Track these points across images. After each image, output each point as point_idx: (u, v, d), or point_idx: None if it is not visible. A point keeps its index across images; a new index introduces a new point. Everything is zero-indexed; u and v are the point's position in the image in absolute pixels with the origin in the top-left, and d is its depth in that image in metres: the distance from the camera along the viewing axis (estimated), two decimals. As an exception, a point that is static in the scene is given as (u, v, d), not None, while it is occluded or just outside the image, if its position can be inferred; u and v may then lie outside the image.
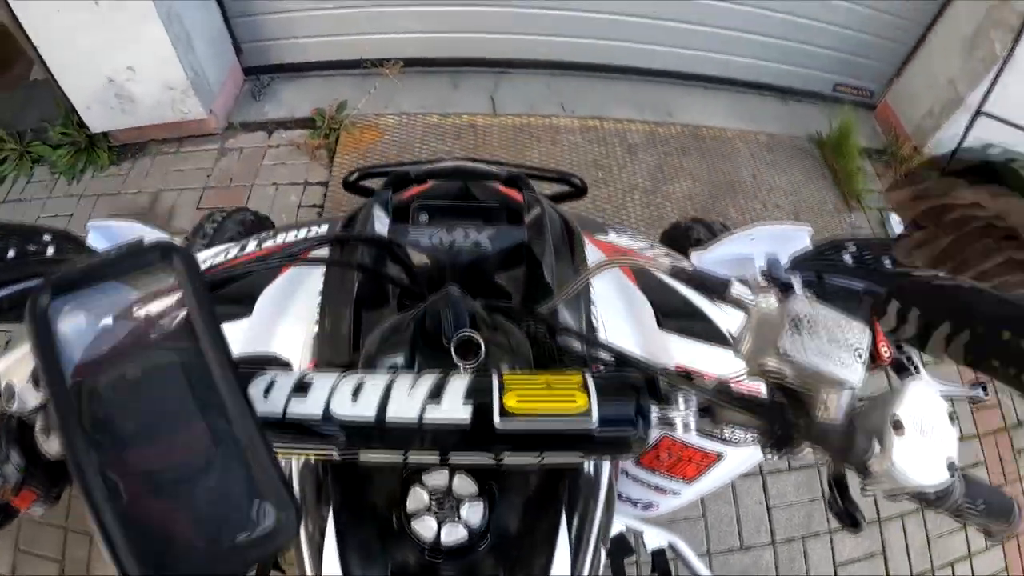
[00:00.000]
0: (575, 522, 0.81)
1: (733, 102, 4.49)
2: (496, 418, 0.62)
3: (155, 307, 0.58)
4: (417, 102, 4.00)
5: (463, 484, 0.74)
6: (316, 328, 1.04)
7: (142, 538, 0.48)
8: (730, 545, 2.65)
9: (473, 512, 0.73)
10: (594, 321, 1.12)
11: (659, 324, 1.28)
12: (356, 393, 0.63)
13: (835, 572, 2.67)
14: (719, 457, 1.29)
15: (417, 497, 0.74)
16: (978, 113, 3.73)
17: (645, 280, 1.36)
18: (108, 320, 0.57)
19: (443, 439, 0.63)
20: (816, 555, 2.68)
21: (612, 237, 1.57)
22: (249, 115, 3.90)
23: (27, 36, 3.10)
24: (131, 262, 0.56)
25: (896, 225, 3.81)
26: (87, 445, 0.49)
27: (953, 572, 2.77)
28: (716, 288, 0.72)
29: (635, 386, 0.67)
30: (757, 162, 4.12)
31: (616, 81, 4.36)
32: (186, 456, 0.52)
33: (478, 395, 0.63)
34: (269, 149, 3.73)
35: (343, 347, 0.97)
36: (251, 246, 1.43)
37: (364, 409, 0.62)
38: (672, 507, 1.50)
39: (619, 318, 1.25)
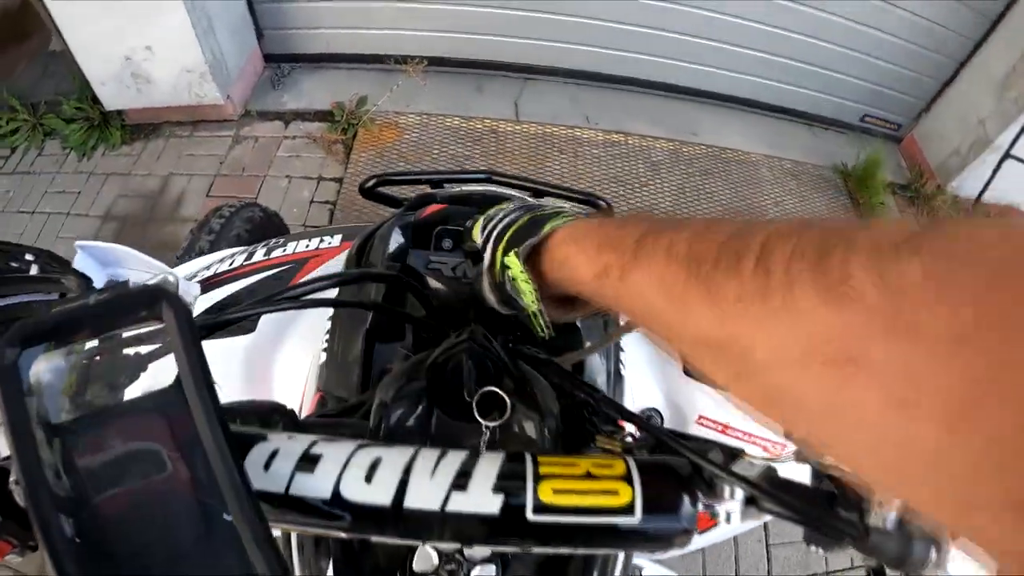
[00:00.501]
0: None
1: (759, 125, 4.46)
2: (529, 512, 0.55)
3: (140, 360, 0.52)
4: (439, 103, 3.95)
5: (477, 548, 0.66)
6: (323, 355, 0.99)
7: None
8: (727, 579, 2.59)
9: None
10: (622, 370, 1.06)
11: (686, 371, 1.23)
12: (371, 471, 0.56)
13: (828, 609, 2.62)
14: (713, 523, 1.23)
15: (425, 557, 0.66)
16: (1007, 156, 3.68)
17: None
18: (89, 368, 0.52)
19: (467, 530, 0.56)
20: None
21: None
22: (267, 103, 3.85)
23: (47, 9, 3.06)
24: (113, 312, 0.49)
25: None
26: (58, 521, 0.43)
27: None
28: None
29: (682, 476, 0.60)
30: (780, 189, 4.08)
31: (642, 96, 4.32)
32: (172, 535, 0.46)
33: (510, 483, 0.56)
34: (284, 140, 3.68)
35: (352, 380, 0.91)
36: (259, 254, 1.38)
37: (379, 493, 0.55)
38: (675, 554, 1.46)
39: (644, 364, 1.22)
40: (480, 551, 0.67)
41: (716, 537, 1.35)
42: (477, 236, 0.78)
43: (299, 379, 1.06)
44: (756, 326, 0.37)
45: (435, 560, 0.66)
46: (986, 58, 4.02)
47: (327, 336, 1.02)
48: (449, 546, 0.66)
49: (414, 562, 0.66)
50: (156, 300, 0.49)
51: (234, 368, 1.08)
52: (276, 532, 0.51)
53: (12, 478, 0.52)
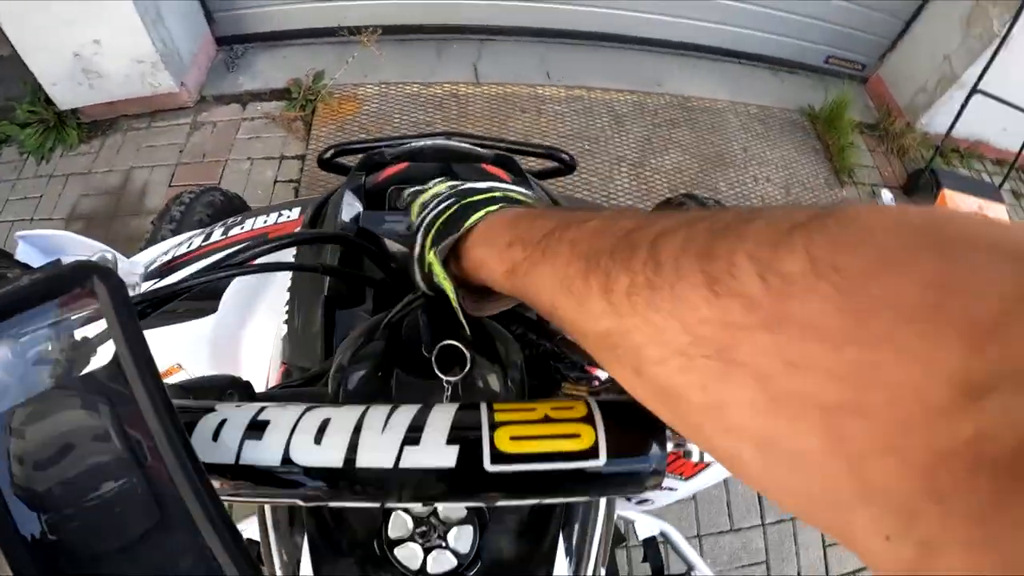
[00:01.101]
0: (573, 540, 0.74)
1: (723, 73, 4.44)
2: (486, 462, 0.53)
3: (78, 340, 0.50)
4: (397, 71, 3.90)
5: (449, 508, 0.66)
6: (284, 327, 0.97)
7: None
8: (720, 527, 2.64)
9: (462, 537, 0.65)
10: None
11: None
12: (320, 433, 0.54)
13: (825, 552, 2.67)
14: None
15: (400, 523, 0.65)
16: (974, 91, 3.68)
17: None
18: (34, 351, 0.49)
19: (425, 487, 0.54)
20: (805, 536, 2.68)
21: None
22: (222, 87, 3.79)
23: (-10, 13, 2.99)
24: (45, 289, 0.47)
25: (888, 201, 3.78)
26: (7, 512, 0.41)
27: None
28: None
29: (648, 416, 0.57)
30: (748, 135, 4.08)
31: (603, 50, 4.29)
32: (127, 521, 0.43)
33: (464, 433, 0.54)
34: (243, 122, 3.63)
35: (314, 349, 0.90)
36: (216, 234, 1.37)
37: (330, 454, 0.53)
38: (667, 502, 1.49)
39: None
40: (455, 512, 0.66)
41: (707, 481, 1.35)
42: (413, 217, 0.75)
43: (266, 355, 1.05)
44: (644, 320, 0.37)
45: (410, 525, 0.65)
46: (949, -4, 4.01)
47: (287, 309, 1.00)
48: (416, 507, 0.66)
49: (389, 529, 0.65)
50: (88, 275, 0.47)
51: (200, 350, 1.06)
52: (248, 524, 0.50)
53: None
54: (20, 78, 3.48)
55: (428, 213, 0.71)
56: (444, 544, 0.65)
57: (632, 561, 2.37)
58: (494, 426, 0.54)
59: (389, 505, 0.58)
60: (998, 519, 0.21)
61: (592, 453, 0.54)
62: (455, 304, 0.65)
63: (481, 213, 0.63)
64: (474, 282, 0.64)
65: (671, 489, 1.38)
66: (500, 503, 0.58)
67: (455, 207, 0.68)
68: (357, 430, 0.54)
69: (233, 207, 2.25)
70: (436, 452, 0.53)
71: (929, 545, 0.24)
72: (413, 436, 0.53)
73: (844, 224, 0.29)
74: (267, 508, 0.78)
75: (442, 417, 0.55)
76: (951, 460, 0.23)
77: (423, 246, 0.68)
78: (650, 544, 1.43)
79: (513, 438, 0.54)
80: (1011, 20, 3.50)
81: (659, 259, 0.36)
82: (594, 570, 0.77)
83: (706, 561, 1.36)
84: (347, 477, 0.53)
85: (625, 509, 1.44)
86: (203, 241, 1.34)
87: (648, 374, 0.38)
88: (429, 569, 0.64)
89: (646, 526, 1.43)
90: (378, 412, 0.56)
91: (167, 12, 3.34)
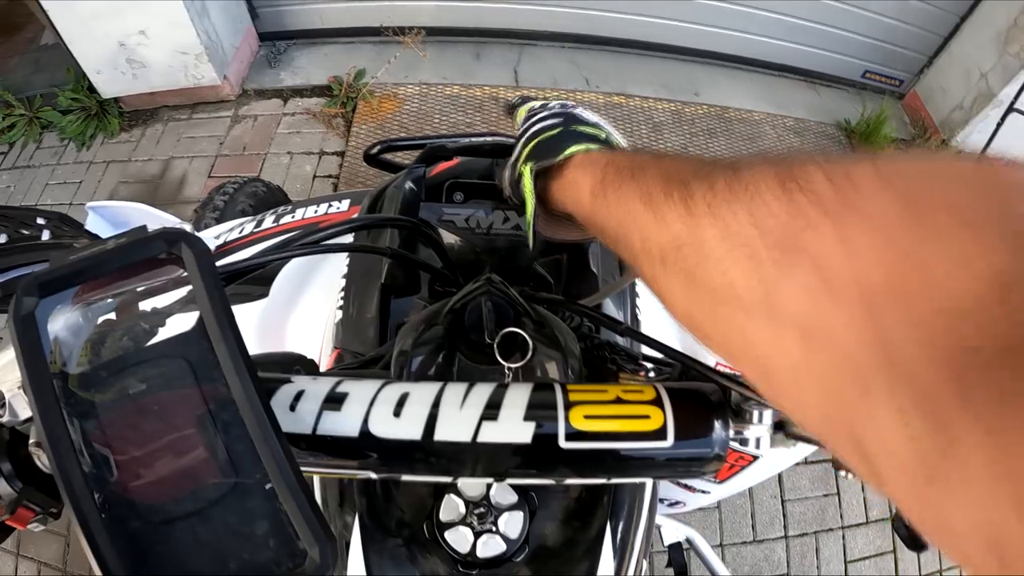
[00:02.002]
0: (619, 531, 0.75)
1: (760, 84, 4.42)
2: (561, 439, 0.54)
3: (161, 305, 0.50)
4: (438, 72, 3.92)
5: (502, 493, 0.67)
6: (339, 313, 0.98)
7: None
8: (743, 537, 2.63)
9: (512, 523, 0.66)
10: (639, 314, 1.06)
11: None
12: (399, 407, 0.55)
13: (846, 568, 2.64)
14: (754, 459, 1.23)
15: (451, 506, 0.67)
16: (1011, 109, 3.62)
17: None
18: (107, 318, 0.50)
19: (500, 461, 0.55)
20: (828, 550, 2.66)
21: None
22: (264, 82, 3.82)
23: (38, 1, 3.03)
24: (132, 253, 0.47)
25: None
26: (82, 474, 0.41)
27: (961, 574, 2.69)
28: None
29: (712, 401, 0.59)
30: (784, 147, 4.02)
31: (642, 58, 4.28)
32: (200, 481, 0.44)
33: (541, 411, 0.55)
34: (284, 117, 3.66)
35: (369, 335, 0.91)
36: (268, 221, 1.37)
37: (409, 427, 0.54)
38: (699, 505, 1.49)
39: (660, 318, 1.20)
40: (506, 497, 0.67)
41: (739, 486, 1.35)
42: (518, 122, 0.82)
43: (315, 340, 1.06)
44: (716, 218, 0.39)
45: (462, 509, 0.66)
46: (987, 12, 3.96)
47: (342, 294, 1.00)
48: (476, 489, 0.67)
49: (441, 511, 0.67)
50: (175, 242, 0.47)
51: (249, 333, 1.06)
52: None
53: (32, 440, 0.52)
54: (64, 65, 3.53)
55: (533, 124, 0.76)
56: (494, 529, 0.66)
57: (656, 566, 2.37)
58: (569, 405, 0.56)
59: (461, 479, 0.60)
60: (1017, 413, 0.23)
61: (660, 434, 0.55)
62: (529, 217, 0.70)
63: (583, 146, 0.67)
64: (556, 203, 0.69)
65: (704, 492, 1.38)
66: (568, 480, 0.59)
67: (560, 129, 0.72)
68: (436, 404, 0.55)
69: (275, 199, 2.26)
70: (513, 427, 0.54)
71: (949, 434, 0.25)
72: (491, 412, 0.55)
73: (907, 153, 0.33)
74: (317, 486, 0.79)
75: (519, 395, 0.57)
76: (979, 351, 0.25)
77: (519, 154, 0.74)
78: (675, 549, 1.43)
79: (587, 417, 0.55)
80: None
81: (737, 171, 0.40)
82: (637, 562, 0.77)
83: (728, 570, 1.36)
84: (424, 450, 0.54)
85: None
86: (255, 228, 1.35)
87: (706, 275, 0.40)
88: (478, 553, 0.65)
89: (672, 531, 1.43)
90: (456, 388, 0.57)
91: (212, 6, 3.37)
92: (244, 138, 3.56)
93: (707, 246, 0.40)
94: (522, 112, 0.82)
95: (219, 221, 1.93)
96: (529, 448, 0.54)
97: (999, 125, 3.65)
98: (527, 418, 0.55)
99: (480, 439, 0.54)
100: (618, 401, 0.57)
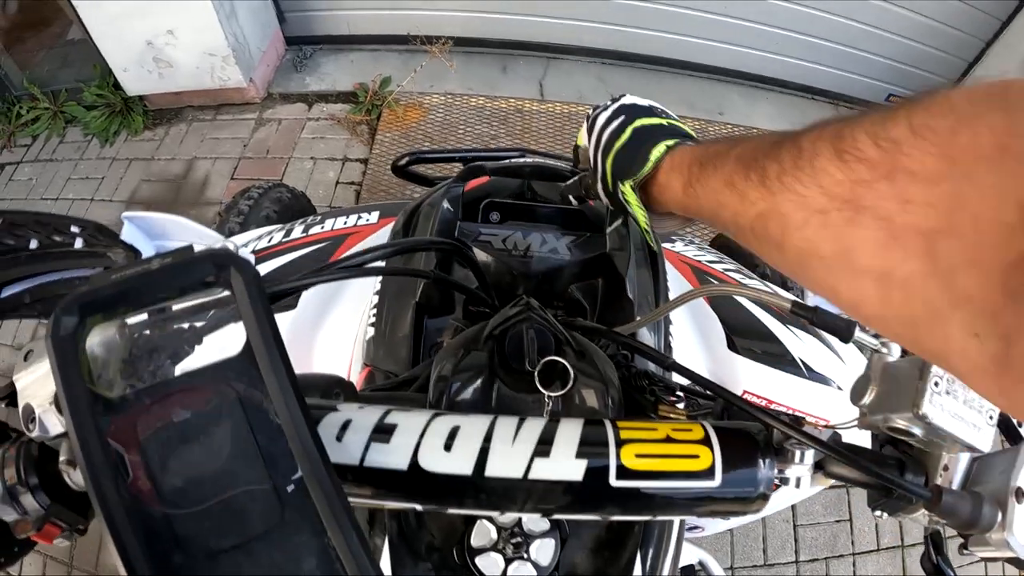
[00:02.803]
0: (648, 561, 0.74)
1: (784, 104, 4.40)
2: (612, 477, 0.55)
3: (206, 328, 0.48)
4: (463, 83, 3.92)
5: (534, 520, 0.67)
6: (371, 330, 0.97)
7: None
8: (754, 561, 2.61)
9: (543, 550, 0.66)
10: (671, 341, 1.05)
11: (730, 345, 1.24)
12: (450, 440, 0.55)
13: (855, 595, 2.63)
14: (776, 487, 1.21)
15: (483, 532, 0.66)
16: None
17: (717, 299, 1.33)
18: (148, 339, 0.48)
19: (550, 498, 0.55)
20: None
21: (679, 247, 1.52)
22: (289, 86, 3.84)
23: (68, -3, 3.04)
24: (178, 276, 0.45)
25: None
26: (120, 499, 0.40)
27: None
28: (840, 331, 0.66)
29: (759, 441, 0.60)
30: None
31: (668, 75, 4.27)
32: (245, 512, 0.42)
33: (592, 448, 0.56)
34: (308, 122, 3.67)
35: (401, 354, 0.91)
36: (297, 231, 1.38)
37: (460, 462, 0.54)
38: (717, 530, 1.50)
39: (689, 337, 1.23)
40: (539, 525, 0.67)
41: (768, 508, 1.34)
42: (581, 141, 0.88)
43: (342, 356, 1.05)
44: (791, 192, 0.45)
45: (493, 535, 0.66)
46: (1012, 37, 3.94)
47: (373, 311, 1.00)
48: (509, 516, 0.66)
49: (472, 537, 0.66)
50: (224, 265, 0.45)
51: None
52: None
53: (63, 458, 0.51)
54: (91, 62, 3.55)
55: (601, 130, 0.82)
56: (525, 556, 0.66)
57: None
58: (620, 443, 0.56)
59: (508, 515, 0.60)
60: None
61: (709, 474, 0.56)
62: (645, 226, 0.76)
63: (661, 146, 0.72)
64: (655, 204, 0.75)
65: (724, 518, 1.38)
66: (615, 518, 0.61)
67: (628, 130, 0.78)
68: (488, 439, 0.55)
69: (300, 205, 2.26)
70: (566, 465, 0.55)
71: (1008, 337, 0.31)
72: (543, 448, 0.55)
73: (933, 98, 0.37)
74: None
75: (571, 431, 0.57)
76: (1020, 264, 0.30)
77: (604, 169, 0.80)
78: (688, 572, 1.42)
79: (638, 456, 0.56)
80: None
81: (800, 146, 0.46)
82: None
83: None
84: (475, 486, 0.54)
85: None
86: (284, 237, 1.34)
87: (792, 242, 0.46)
88: None
89: (685, 554, 1.40)
90: (507, 422, 0.57)
91: (240, 8, 3.38)
92: (268, 141, 3.57)
93: (788, 216, 0.46)
94: (580, 136, 0.89)
95: (243, 225, 1.93)
96: (580, 486, 0.54)
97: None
98: (579, 455, 0.55)
99: (532, 476, 0.54)
100: (668, 440, 0.57)
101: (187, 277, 0.45)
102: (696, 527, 1.47)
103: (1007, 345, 0.31)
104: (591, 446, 0.56)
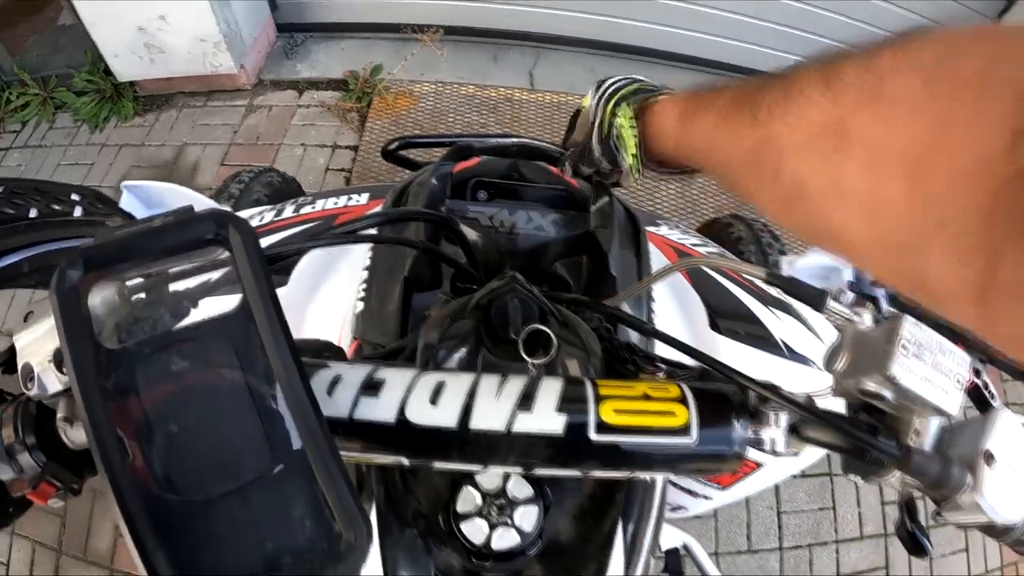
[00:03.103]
0: (630, 530, 0.77)
1: (774, 96, 4.38)
2: (591, 431, 0.56)
3: (204, 285, 0.51)
4: (454, 72, 3.92)
5: (518, 486, 0.69)
6: (360, 304, 0.99)
7: (185, 559, 0.41)
8: (738, 547, 2.65)
9: (527, 516, 0.68)
10: (654, 318, 1.08)
11: (712, 325, 1.27)
12: (436, 395, 0.57)
13: (839, 581, 2.67)
14: (757, 466, 1.26)
15: (468, 498, 0.68)
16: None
17: (699, 279, 1.34)
18: (147, 299, 0.50)
19: (531, 452, 0.57)
20: (821, 563, 2.68)
21: (664, 231, 1.54)
22: (280, 73, 3.84)
23: (59, -19, 3.02)
24: (180, 233, 0.47)
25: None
26: (120, 449, 0.41)
27: (961, 585, 2.78)
28: (812, 300, 0.67)
29: (733, 401, 0.61)
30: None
31: (658, 66, 4.26)
32: (238, 461, 0.45)
33: (572, 404, 0.57)
34: (299, 109, 3.67)
35: (390, 327, 0.92)
36: (288, 211, 1.39)
37: (445, 415, 0.56)
38: (700, 511, 1.53)
39: (672, 316, 1.25)
40: (523, 491, 0.68)
41: (741, 492, 1.38)
42: (587, 101, 0.93)
43: (333, 329, 1.07)
44: (782, 123, 0.47)
45: (478, 500, 0.68)
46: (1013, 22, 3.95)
47: (363, 285, 1.02)
48: (493, 481, 0.69)
49: (458, 503, 0.68)
50: (224, 224, 0.47)
51: None
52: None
53: (60, 415, 0.52)
54: (82, 47, 3.54)
55: (607, 89, 0.89)
56: (509, 522, 0.67)
57: (652, 570, 2.38)
58: (599, 399, 0.58)
59: (492, 469, 0.60)
60: None
61: (685, 431, 0.58)
62: (634, 150, 0.80)
63: (666, 94, 0.80)
64: (649, 145, 0.80)
65: (707, 498, 1.40)
66: (594, 473, 0.61)
67: (633, 86, 0.86)
68: (472, 394, 0.57)
69: (290, 190, 2.27)
70: (547, 419, 0.56)
71: (989, 261, 0.31)
72: (525, 404, 0.57)
73: (919, 34, 0.38)
74: None
75: (552, 388, 0.59)
76: (1010, 185, 0.30)
77: (604, 112, 0.86)
78: (672, 555, 1.45)
79: (617, 411, 0.58)
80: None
81: (789, 80, 0.47)
82: (645, 561, 0.79)
83: None
84: (460, 438, 0.56)
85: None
86: (275, 216, 1.36)
87: (785, 171, 0.47)
88: (493, 545, 0.67)
89: (669, 537, 1.45)
90: (491, 379, 0.59)
91: (233, -6, 3.38)
92: (258, 128, 3.57)
93: (780, 144, 0.47)
94: (585, 98, 0.95)
95: (234, 209, 1.94)
96: (561, 440, 0.56)
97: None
98: (560, 410, 0.57)
99: (514, 429, 0.56)
100: (645, 397, 0.59)
101: (188, 234, 0.47)
102: (680, 507, 1.47)
103: (989, 269, 0.32)
104: (571, 402, 0.57)
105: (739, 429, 0.59)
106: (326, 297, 1.15)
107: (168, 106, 3.68)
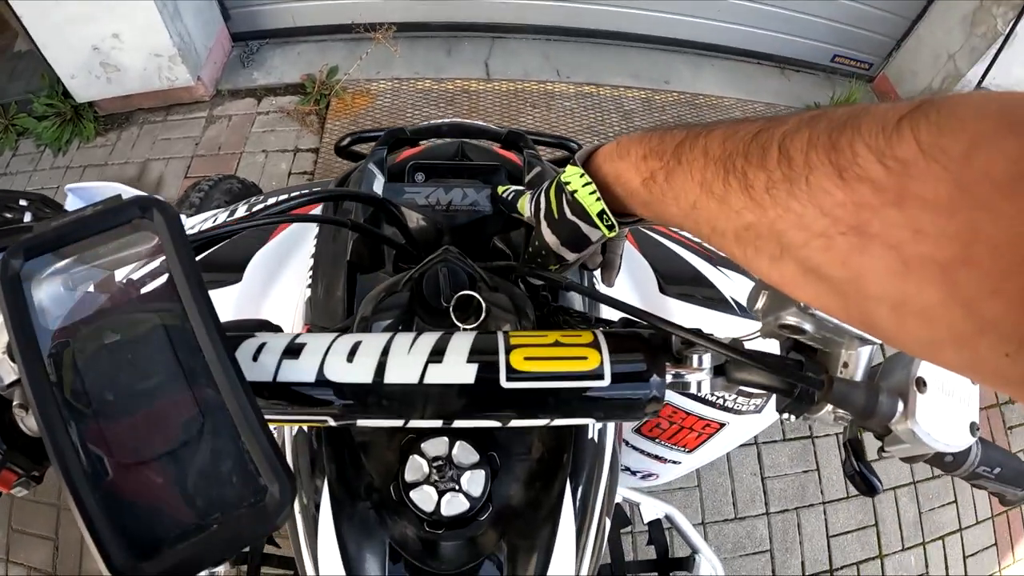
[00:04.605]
0: (579, 490, 0.79)
1: (730, 71, 4.45)
2: (502, 378, 0.59)
3: (137, 267, 0.55)
4: (410, 67, 3.95)
5: (463, 452, 0.71)
6: (308, 291, 1.02)
7: (127, 520, 0.44)
8: (725, 515, 2.67)
9: (474, 481, 0.70)
10: (596, 285, 1.08)
11: (661, 289, 1.28)
12: (352, 354, 0.60)
13: (828, 543, 2.69)
14: (721, 426, 1.28)
15: (416, 466, 0.71)
16: (979, 88, 3.66)
17: (647, 245, 1.35)
18: (86, 283, 0.54)
19: (446, 402, 0.59)
20: (809, 526, 2.70)
21: None
22: (238, 82, 3.85)
23: (9, 6, 3.04)
24: (108, 219, 0.51)
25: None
26: (63, 422, 0.45)
27: (944, 546, 2.80)
28: None
29: (649, 344, 0.63)
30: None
31: (613, 47, 4.31)
32: (172, 428, 0.48)
33: (483, 354, 0.60)
34: (258, 116, 3.69)
35: (337, 310, 0.95)
36: (240, 211, 1.40)
37: (361, 371, 0.59)
38: (672, 476, 1.51)
39: (621, 283, 1.23)
40: (468, 457, 0.71)
41: (710, 454, 1.40)
42: (525, 210, 0.83)
43: (288, 320, 1.09)
44: (785, 209, 0.42)
45: (425, 469, 0.70)
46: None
47: (310, 273, 1.04)
48: (439, 448, 0.71)
49: (406, 472, 0.70)
50: (148, 207, 0.51)
51: (226, 316, 1.10)
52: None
53: (15, 402, 0.55)
54: (39, 72, 3.53)
55: (539, 191, 0.80)
56: (457, 487, 0.70)
57: (637, 545, 2.42)
58: (509, 348, 0.60)
59: (412, 424, 0.62)
60: None
61: (597, 374, 0.60)
62: (598, 206, 0.70)
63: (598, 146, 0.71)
64: (610, 199, 0.70)
65: (675, 463, 1.43)
66: (513, 422, 0.62)
67: (561, 170, 0.75)
68: (385, 352, 0.60)
69: (250, 194, 2.28)
70: (457, 369, 0.59)
71: None
72: (436, 357, 0.59)
73: (942, 113, 0.34)
74: (289, 453, 0.83)
75: (463, 341, 0.61)
76: None
77: (548, 199, 0.77)
78: (655, 527, 1.44)
79: (527, 359, 0.60)
80: (1015, 19, 3.52)
81: (791, 155, 0.42)
82: (599, 520, 0.81)
83: (711, 546, 1.38)
84: (376, 392, 0.59)
85: (631, 488, 1.46)
86: (228, 216, 1.37)
87: (789, 258, 0.43)
88: (443, 511, 0.69)
89: (651, 509, 1.43)
90: (404, 337, 0.61)
91: (184, 8, 3.39)
92: (219, 138, 3.58)
93: (784, 237, 0.43)
94: (524, 199, 0.85)
95: (196, 215, 1.96)
96: (473, 388, 0.59)
97: (968, 105, 3.68)
98: (470, 360, 0.59)
99: (427, 380, 0.58)
100: (557, 344, 0.61)
101: (116, 218, 0.51)
102: (651, 474, 1.50)
103: None
104: (481, 353, 0.60)
105: (655, 373, 0.61)
106: (280, 289, 1.17)
107: (129, 124, 3.68)
